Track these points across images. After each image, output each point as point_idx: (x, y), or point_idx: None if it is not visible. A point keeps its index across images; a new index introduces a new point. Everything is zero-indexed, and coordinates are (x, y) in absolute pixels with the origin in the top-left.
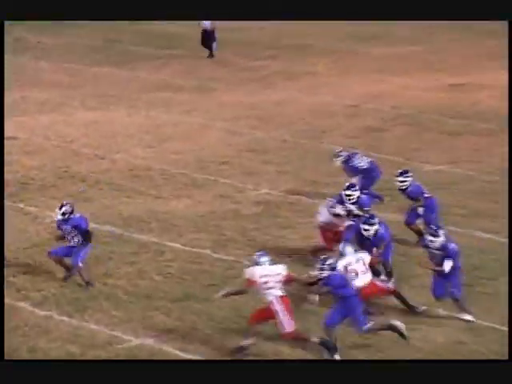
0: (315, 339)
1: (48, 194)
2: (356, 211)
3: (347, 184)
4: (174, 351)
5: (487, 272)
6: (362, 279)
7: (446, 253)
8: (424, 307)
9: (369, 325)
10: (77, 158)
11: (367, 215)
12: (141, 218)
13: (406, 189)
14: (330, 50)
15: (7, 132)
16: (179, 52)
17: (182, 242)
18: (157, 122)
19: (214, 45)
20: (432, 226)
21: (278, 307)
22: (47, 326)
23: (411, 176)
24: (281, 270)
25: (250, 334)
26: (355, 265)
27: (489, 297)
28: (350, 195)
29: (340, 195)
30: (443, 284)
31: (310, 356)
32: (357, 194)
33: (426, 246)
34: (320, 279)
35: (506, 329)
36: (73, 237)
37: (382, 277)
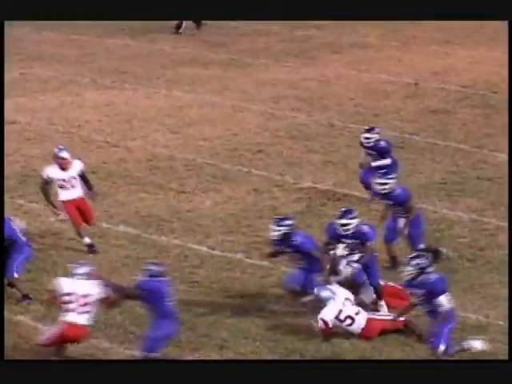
0: None
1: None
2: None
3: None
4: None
5: None
6: (359, 321)
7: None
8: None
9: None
10: (86, 146)
11: (343, 209)
12: (161, 217)
13: (371, 146)
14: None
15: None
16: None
17: (210, 244)
18: (180, 103)
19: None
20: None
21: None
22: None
23: (378, 133)
24: (93, 290)
25: None
26: (345, 309)
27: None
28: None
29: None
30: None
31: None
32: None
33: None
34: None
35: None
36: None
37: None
